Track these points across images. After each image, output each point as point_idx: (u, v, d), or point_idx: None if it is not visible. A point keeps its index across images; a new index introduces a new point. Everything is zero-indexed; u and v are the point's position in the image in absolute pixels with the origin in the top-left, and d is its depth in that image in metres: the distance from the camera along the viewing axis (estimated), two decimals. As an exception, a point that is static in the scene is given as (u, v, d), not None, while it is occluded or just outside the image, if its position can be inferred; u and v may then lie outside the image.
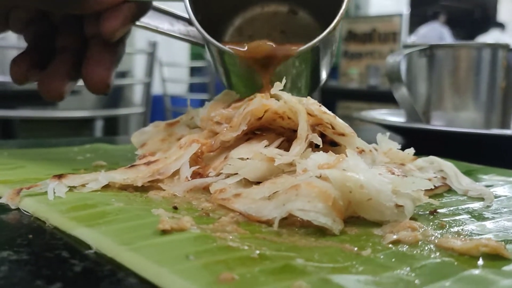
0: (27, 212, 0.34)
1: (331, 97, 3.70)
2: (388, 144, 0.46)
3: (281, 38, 0.56)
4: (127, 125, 3.76)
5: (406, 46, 0.77)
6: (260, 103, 0.40)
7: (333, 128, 0.41)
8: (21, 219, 0.33)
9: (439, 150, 0.61)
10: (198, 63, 3.40)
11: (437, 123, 0.72)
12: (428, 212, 0.37)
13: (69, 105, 2.88)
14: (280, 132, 0.43)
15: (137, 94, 2.89)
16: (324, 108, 0.41)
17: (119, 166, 0.50)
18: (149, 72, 2.04)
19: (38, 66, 0.48)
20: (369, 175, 0.34)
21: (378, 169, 0.37)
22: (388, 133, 0.47)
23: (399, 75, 0.71)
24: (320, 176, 0.33)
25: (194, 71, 3.94)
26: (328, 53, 0.50)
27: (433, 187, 0.36)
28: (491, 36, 4.23)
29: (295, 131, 0.40)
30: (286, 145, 0.42)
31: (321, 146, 0.39)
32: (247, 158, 0.39)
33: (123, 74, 3.93)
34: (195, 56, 4.22)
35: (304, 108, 0.39)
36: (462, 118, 0.70)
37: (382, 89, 3.18)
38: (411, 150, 0.46)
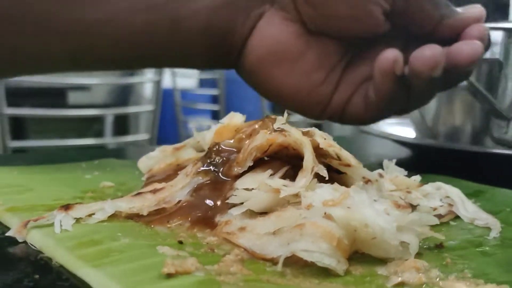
0: (34, 246, 0.34)
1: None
2: (394, 170, 0.46)
3: None
4: (138, 122, 3.77)
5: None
6: (264, 139, 0.40)
7: (339, 159, 0.41)
8: (28, 254, 0.34)
9: (447, 166, 0.61)
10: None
11: (447, 139, 0.71)
12: (433, 245, 0.37)
13: (79, 101, 2.90)
14: (285, 159, 0.43)
15: (147, 90, 2.90)
16: (330, 140, 0.41)
17: (126, 186, 0.51)
18: (159, 70, 2.04)
19: None
20: (373, 213, 0.34)
21: (383, 204, 0.37)
22: (394, 160, 0.47)
23: None
24: (325, 214, 0.33)
25: (204, 66, 3.94)
26: None
27: (438, 223, 0.36)
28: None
29: (301, 159, 0.40)
30: (291, 173, 0.42)
31: (327, 178, 0.39)
32: (252, 189, 0.39)
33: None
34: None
35: (309, 140, 0.39)
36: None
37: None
38: (417, 177, 0.46)
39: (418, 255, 0.35)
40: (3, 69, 0.55)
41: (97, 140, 2.03)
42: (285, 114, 0.41)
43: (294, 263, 0.32)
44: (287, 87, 0.52)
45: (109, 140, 2.11)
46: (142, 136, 2.10)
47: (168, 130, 3.45)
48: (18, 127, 2.46)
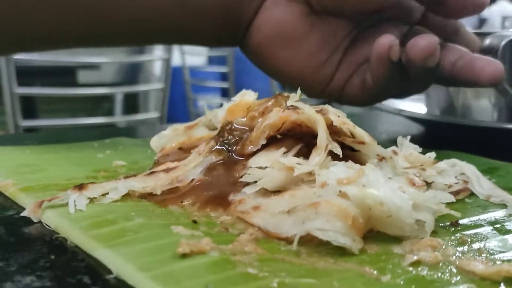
0: (49, 226, 0.35)
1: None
2: (408, 147, 0.46)
3: None
4: (147, 100, 3.77)
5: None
6: (277, 117, 0.40)
7: (353, 136, 0.40)
8: (43, 234, 0.34)
9: (460, 142, 0.60)
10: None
11: (466, 116, 0.70)
12: (449, 223, 0.37)
13: (89, 80, 2.90)
14: (298, 136, 0.43)
15: (157, 68, 2.89)
16: (344, 117, 0.40)
17: (139, 165, 0.51)
18: (168, 47, 2.03)
19: None
20: (388, 191, 0.33)
21: (398, 182, 0.36)
22: (409, 137, 0.46)
23: None
24: (340, 192, 0.33)
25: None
26: None
27: (454, 200, 0.36)
28: (498, 7, 4.07)
29: (314, 136, 0.40)
30: (305, 150, 0.42)
31: (341, 156, 0.39)
32: (266, 167, 0.39)
33: (142, 46, 3.93)
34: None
35: (323, 117, 0.39)
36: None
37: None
38: (432, 154, 0.45)
39: (434, 233, 0.35)
40: (31, 44, 0.56)
41: (107, 118, 2.03)
42: (298, 91, 0.40)
43: (309, 242, 0.32)
44: (291, 67, 0.53)
45: (119, 118, 2.11)
46: (152, 114, 2.10)
47: (178, 108, 3.45)
48: (29, 106, 2.47)
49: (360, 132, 0.40)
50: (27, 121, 1.75)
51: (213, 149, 0.42)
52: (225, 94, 3.21)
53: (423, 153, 0.46)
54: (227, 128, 0.43)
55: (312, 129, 0.40)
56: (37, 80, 2.39)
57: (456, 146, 0.60)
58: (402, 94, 0.55)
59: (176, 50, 2.77)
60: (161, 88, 2.03)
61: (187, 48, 3.07)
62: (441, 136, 0.73)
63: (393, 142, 0.49)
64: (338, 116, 0.40)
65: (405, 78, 0.50)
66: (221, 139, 0.42)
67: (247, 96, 0.48)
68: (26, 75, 2.11)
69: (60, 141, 0.60)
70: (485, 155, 0.57)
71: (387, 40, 0.47)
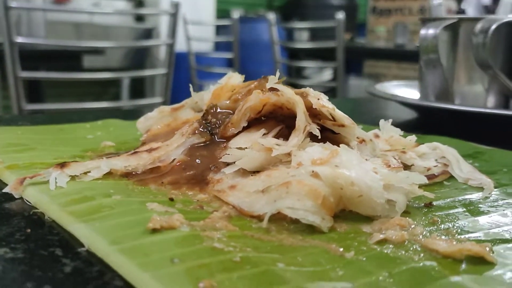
0: (29, 202, 0.35)
1: (357, 56, 3.65)
2: (390, 130, 0.46)
3: None
4: (153, 85, 3.77)
5: (433, 19, 0.74)
6: (257, 99, 0.40)
7: (333, 119, 0.41)
8: (23, 210, 0.35)
9: (454, 127, 0.61)
10: (224, 22, 3.37)
11: (461, 102, 0.70)
12: (423, 204, 0.38)
13: (95, 65, 2.91)
14: (280, 119, 0.43)
15: (163, 53, 2.89)
16: (324, 100, 0.41)
17: (127, 146, 0.52)
18: (172, 33, 2.03)
19: None
20: (360, 172, 0.34)
21: (373, 163, 0.37)
22: (390, 120, 0.47)
23: (435, 51, 0.67)
24: (313, 172, 0.34)
25: (219, 29, 3.91)
26: None
27: (427, 182, 0.36)
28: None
29: (295, 118, 0.40)
30: (286, 132, 0.42)
31: (319, 137, 0.39)
32: (246, 148, 0.40)
33: (149, 32, 3.93)
34: (220, 14, 4.18)
35: (302, 99, 0.39)
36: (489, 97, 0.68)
37: (409, 48, 3.12)
38: (413, 137, 0.46)
39: (406, 213, 0.35)
40: None
41: (113, 103, 2.04)
42: (277, 73, 0.41)
43: (281, 220, 0.33)
44: None
45: (124, 103, 2.12)
46: (157, 99, 2.10)
47: (183, 94, 3.45)
48: (35, 91, 2.48)
49: (340, 115, 0.41)
50: (31, 105, 1.77)
51: (196, 131, 0.43)
52: (231, 80, 3.20)
53: (405, 136, 0.47)
54: (211, 111, 0.44)
55: (293, 112, 0.41)
56: (42, 64, 2.40)
57: (446, 131, 0.60)
58: None
59: (181, 36, 2.77)
60: (164, 73, 2.03)
61: (194, 34, 3.07)
62: (432, 122, 0.74)
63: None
64: (318, 99, 0.40)
65: None
66: (204, 122, 0.43)
67: (233, 79, 0.48)
68: (32, 59, 2.13)
69: (54, 123, 0.61)
70: (475, 140, 0.57)
71: None
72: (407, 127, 0.72)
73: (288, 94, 0.40)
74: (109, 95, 3.90)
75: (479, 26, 0.62)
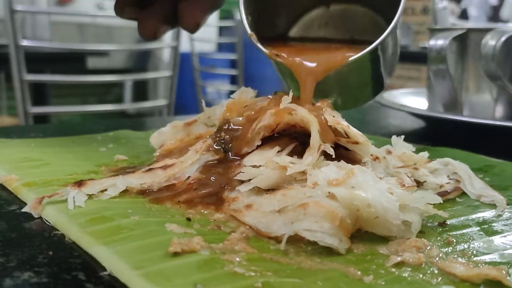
0: (48, 222, 0.36)
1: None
2: (402, 147, 0.47)
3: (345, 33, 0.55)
4: (157, 86, 3.78)
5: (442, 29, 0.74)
6: (271, 118, 0.40)
7: (347, 136, 0.41)
8: (43, 230, 0.35)
9: (463, 137, 0.61)
10: (227, 23, 3.37)
11: (469, 112, 0.70)
12: (437, 223, 0.38)
13: (99, 66, 2.92)
14: (294, 136, 0.44)
15: (166, 54, 2.90)
16: (338, 118, 0.41)
17: (140, 160, 0.52)
18: (176, 36, 2.04)
19: (138, 5, 0.54)
20: (376, 193, 0.34)
21: (387, 182, 0.37)
22: (403, 136, 0.47)
23: (444, 62, 0.66)
24: (329, 193, 0.34)
25: (223, 30, 3.92)
26: (389, 54, 0.50)
27: (441, 201, 0.36)
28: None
29: (309, 135, 0.41)
30: (299, 149, 0.43)
31: (333, 156, 0.40)
32: (260, 166, 0.40)
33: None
34: (224, 15, 4.18)
35: (316, 118, 0.40)
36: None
37: (413, 49, 3.12)
38: (425, 154, 0.46)
39: (421, 233, 0.36)
40: None
41: (117, 106, 2.05)
42: (290, 93, 0.41)
43: (298, 241, 0.33)
44: None
45: (128, 106, 2.12)
46: (161, 101, 2.11)
47: (186, 95, 3.46)
48: (40, 91, 2.49)
49: (354, 132, 0.41)
50: (36, 108, 1.77)
51: (210, 148, 0.43)
52: (234, 81, 3.21)
53: (419, 150, 0.47)
54: (224, 127, 0.44)
55: (307, 129, 0.41)
56: (47, 66, 2.41)
57: (455, 141, 0.60)
58: None
59: (185, 36, 2.77)
60: (169, 76, 2.04)
61: (196, 34, 3.07)
62: (441, 132, 0.74)
63: (393, 135, 0.50)
64: (333, 116, 0.41)
65: None
66: (218, 138, 0.43)
67: (245, 94, 0.49)
68: (36, 61, 2.13)
69: (65, 134, 0.61)
70: (484, 150, 0.57)
71: None
72: (415, 137, 0.73)
73: (302, 113, 0.40)
74: (112, 95, 3.91)
75: (488, 37, 0.63)
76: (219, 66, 3.33)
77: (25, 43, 1.67)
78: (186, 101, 3.50)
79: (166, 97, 2.04)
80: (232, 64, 3.29)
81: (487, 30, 0.65)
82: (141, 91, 3.92)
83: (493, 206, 0.42)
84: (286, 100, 0.41)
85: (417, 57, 3.17)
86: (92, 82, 1.98)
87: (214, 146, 0.43)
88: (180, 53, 2.11)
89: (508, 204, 0.42)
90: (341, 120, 0.42)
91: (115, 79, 2.00)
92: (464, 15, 4.15)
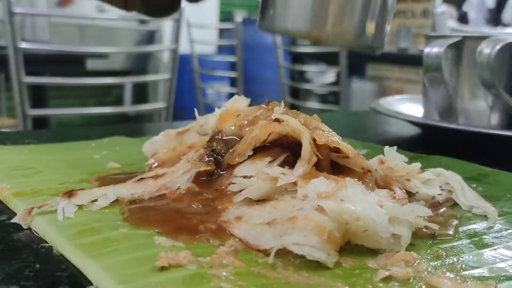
0: (37, 233, 0.36)
1: (360, 59, 3.65)
2: (395, 157, 0.47)
3: None
4: (156, 88, 3.78)
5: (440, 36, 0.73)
6: (263, 129, 0.40)
7: (338, 151, 0.41)
8: (32, 241, 0.35)
9: (458, 145, 0.61)
10: (227, 25, 3.37)
11: (465, 119, 0.70)
12: (427, 235, 0.38)
13: (98, 67, 2.92)
14: (286, 145, 0.43)
15: (166, 55, 2.90)
16: (329, 133, 0.41)
17: (133, 167, 0.52)
18: (176, 38, 2.04)
19: None
20: (366, 206, 0.34)
21: (378, 195, 0.37)
22: (395, 147, 0.47)
23: (439, 70, 0.66)
24: (318, 206, 0.34)
25: (223, 32, 3.92)
26: None
27: (431, 214, 0.36)
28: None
29: (301, 145, 0.41)
30: (291, 159, 0.43)
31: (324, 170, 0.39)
32: (251, 176, 0.40)
33: (152, 34, 3.94)
34: (224, 16, 4.19)
35: (307, 130, 0.40)
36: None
37: (413, 52, 3.12)
38: (417, 165, 0.46)
39: (411, 245, 0.36)
40: None
41: (116, 108, 2.05)
42: (282, 104, 0.41)
43: (287, 254, 0.33)
44: None
45: (128, 108, 2.13)
46: (160, 104, 2.11)
47: (186, 96, 3.46)
48: (38, 93, 2.49)
49: (344, 148, 0.41)
50: (35, 110, 1.78)
51: (202, 158, 0.43)
52: (234, 83, 3.21)
53: (413, 158, 0.47)
54: (217, 137, 0.44)
55: (299, 140, 0.41)
56: (46, 68, 2.41)
57: (450, 148, 0.60)
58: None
59: (185, 38, 2.78)
60: (168, 78, 2.04)
61: (196, 36, 3.07)
62: (436, 139, 0.74)
63: (389, 142, 0.50)
64: (322, 131, 0.40)
65: None
66: (210, 149, 0.43)
67: (239, 103, 0.49)
68: (35, 63, 2.13)
69: (60, 140, 0.61)
70: (479, 158, 0.57)
71: None
72: (411, 144, 0.73)
73: (293, 124, 0.40)
74: (112, 96, 3.91)
75: (483, 46, 0.63)
76: (219, 68, 3.34)
77: (23, 45, 1.67)
78: (185, 102, 3.50)
79: (166, 99, 2.04)
80: (232, 66, 3.29)
81: (482, 38, 0.65)
82: (141, 92, 3.92)
83: (484, 217, 0.42)
84: (277, 111, 0.41)
85: (416, 60, 3.17)
86: (90, 84, 1.98)
87: (206, 157, 0.43)
88: (179, 55, 2.11)
89: (499, 216, 0.42)
90: (332, 136, 0.42)
91: (114, 81, 2.00)
92: (464, 19, 4.15)
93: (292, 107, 3.27)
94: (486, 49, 0.62)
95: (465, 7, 4.36)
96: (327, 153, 0.41)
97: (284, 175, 0.39)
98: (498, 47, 0.61)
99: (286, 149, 0.43)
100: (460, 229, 0.39)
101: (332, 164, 0.42)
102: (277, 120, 0.41)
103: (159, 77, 2.16)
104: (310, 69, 3.47)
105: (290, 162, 0.42)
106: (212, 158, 0.43)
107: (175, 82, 2.06)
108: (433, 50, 0.66)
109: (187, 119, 0.63)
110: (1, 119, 3.08)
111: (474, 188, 0.48)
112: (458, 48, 0.68)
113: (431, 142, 0.74)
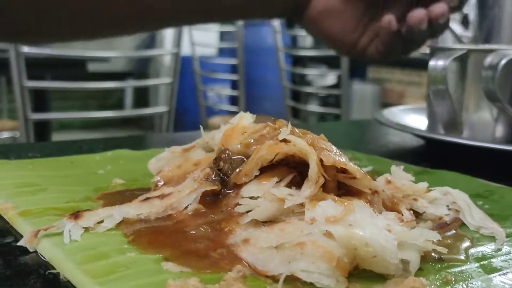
0: (44, 257, 0.36)
1: (361, 62, 3.65)
2: (401, 177, 0.46)
3: None
4: (157, 91, 3.78)
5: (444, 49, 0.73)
6: (270, 149, 0.40)
7: (345, 172, 0.41)
8: (39, 266, 0.35)
9: (462, 158, 0.61)
10: (228, 28, 3.37)
11: (469, 132, 0.70)
12: (435, 258, 0.38)
13: (99, 70, 2.92)
14: (293, 165, 0.43)
15: (168, 58, 2.90)
16: (336, 154, 0.41)
17: (138, 184, 0.52)
18: (177, 42, 2.04)
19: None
20: (374, 231, 0.34)
21: (386, 218, 0.37)
22: (402, 166, 0.47)
23: (444, 82, 0.66)
24: (326, 231, 0.34)
25: (223, 34, 3.92)
26: None
27: (440, 238, 0.36)
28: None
29: (308, 165, 0.41)
30: (298, 179, 0.42)
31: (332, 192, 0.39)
32: (258, 197, 0.40)
33: (153, 35, 3.94)
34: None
35: (314, 150, 0.40)
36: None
37: (413, 55, 3.11)
38: (424, 184, 0.46)
39: (419, 270, 0.35)
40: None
41: (117, 112, 2.05)
42: (289, 125, 0.41)
43: (295, 280, 0.33)
44: (333, 32, 0.75)
45: (129, 112, 2.12)
46: (161, 108, 2.11)
47: (187, 99, 3.46)
48: (40, 96, 2.49)
49: (351, 169, 0.41)
50: (36, 114, 1.77)
51: (208, 177, 0.43)
52: (235, 86, 3.21)
53: (418, 173, 0.47)
54: (223, 156, 0.44)
55: (305, 160, 0.41)
56: (48, 71, 2.41)
57: (455, 161, 0.60)
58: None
59: (186, 39, 2.77)
60: (169, 82, 2.04)
61: (197, 39, 3.07)
62: (441, 151, 0.74)
63: (393, 153, 0.50)
64: (329, 151, 0.40)
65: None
66: (216, 168, 0.43)
67: (244, 119, 0.48)
68: (37, 66, 2.13)
69: (64, 153, 0.61)
70: (484, 172, 0.57)
71: (387, 18, 0.69)
72: (415, 157, 0.73)
73: (300, 145, 0.40)
74: (113, 99, 3.91)
75: (488, 60, 0.63)
76: (220, 70, 3.33)
77: (25, 49, 1.67)
78: (187, 105, 3.50)
79: (167, 102, 2.04)
80: (233, 68, 3.29)
81: (487, 51, 0.65)
82: (142, 94, 3.92)
83: (492, 238, 0.42)
84: (284, 132, 0.41)
85: (418, 63, 3.18)
86: (91, 89, 1.97)
87: (212, 176, 0.42)
88: (181, 57, 2.11)
89: (507, 237, 0.42)
90: (339, 157, 0.42)
91: (115, 85, 2.00)
92: (465, 21, 4.14)
93: (293, 109, 3.27)
94: (492, 63, 0.62)
95: (466, 9, 4.37)
96: (334, 173, 0.41)
97: (291, 196, 0.39)
98: (503, 61, 0.61)
99: (293, 169, 0.43)
100: (468, 252, 0.39)
101: (338, 183, 0.42)
102: (284, 140, 0.41)
103: (161, 81, 2.16)
104: (311, 71, 3.48)
105: (297, 182, 0.42)
106: (218, 177, 0.43)
107: (176, 86, 2.06)
108: (438, 63, 0.66)
109: (188, 122, 0.64)
110: (3, 121, 3.08)
111: (481, 206, 0.48)
112: (463, 61, 0.68)
113: (436, 154, 0.74)
